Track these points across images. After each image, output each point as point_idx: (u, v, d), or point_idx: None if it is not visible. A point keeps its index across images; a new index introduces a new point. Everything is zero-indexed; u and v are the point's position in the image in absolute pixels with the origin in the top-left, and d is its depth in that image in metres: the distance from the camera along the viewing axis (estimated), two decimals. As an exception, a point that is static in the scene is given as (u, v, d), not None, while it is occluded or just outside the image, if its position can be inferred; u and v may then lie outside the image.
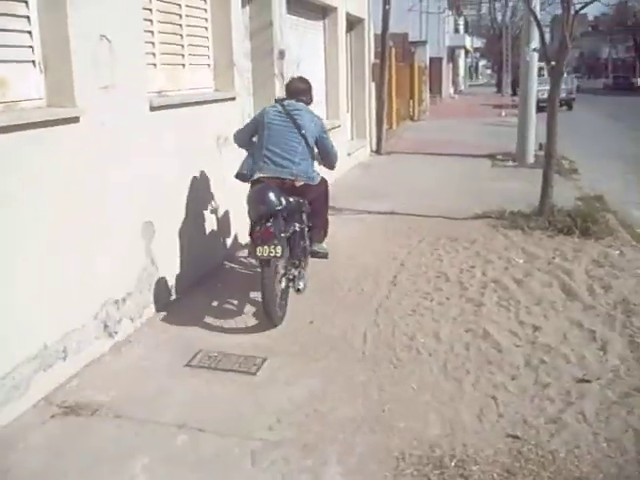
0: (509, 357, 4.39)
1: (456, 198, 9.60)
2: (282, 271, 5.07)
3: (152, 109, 5.01)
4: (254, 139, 5.41)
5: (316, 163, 5.56)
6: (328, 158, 5.67)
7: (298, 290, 5.25)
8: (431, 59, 34.58)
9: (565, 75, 31.85)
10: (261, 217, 4.82)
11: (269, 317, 4.87)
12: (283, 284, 5.08)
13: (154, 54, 5.35)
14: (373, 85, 14.83)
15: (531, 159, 13.12)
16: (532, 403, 3.80)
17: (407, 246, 7.04)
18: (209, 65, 6.47)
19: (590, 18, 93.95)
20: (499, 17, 50.34)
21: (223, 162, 6.37)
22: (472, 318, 5.06)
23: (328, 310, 5.27)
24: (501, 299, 5.45)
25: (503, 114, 26.35)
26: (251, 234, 4.93)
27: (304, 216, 5.48)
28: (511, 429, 3.54)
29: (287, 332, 4.83)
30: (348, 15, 12.43)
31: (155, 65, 5.38)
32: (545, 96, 26.37)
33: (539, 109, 13.55)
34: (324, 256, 5.84)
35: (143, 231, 4.90)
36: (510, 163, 13.15)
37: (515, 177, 11.52)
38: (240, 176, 5.35)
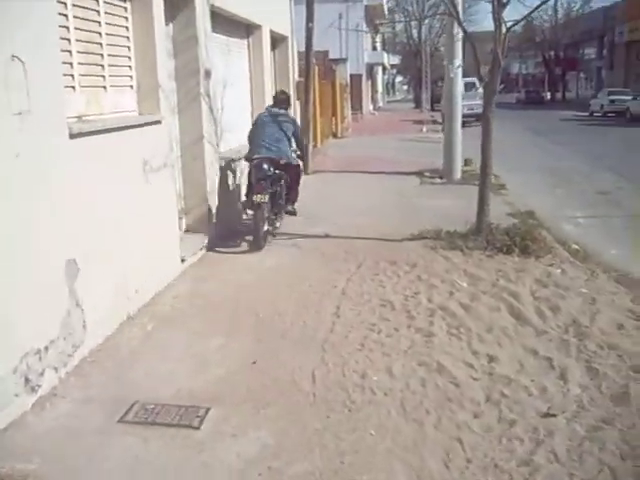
0: (468, 392, 4.15)
1: (389, 218, 9.42)
2: (267, 215, 7.80)
3: (72, 136, 4.56)
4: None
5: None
6: (301, 144, 8.93)
7: (276, 228, 8.29)
8: (351, 76, 34.74)
9: (481, 90, 32.66)
10: (259, 179, 7.78)
11: (257, 245, 7.61)
12: (266, 227, 7.79)
13: (73, 76, 4.91)
14: (298, 103, 14.60)
15: (458, 175, 13.14)
16: (500, 444, 3.56)
17: (346, 272, 6.76)
18: (132, 87, 6.05)
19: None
20: (415, 34, 51.28)
21: (150, 190, 5.96)
22: (424, 350, 4.81)
23: (271, 348, 4.92)
24: (451, 327, 5.23)
25: (424, 130, 26.62)
26: (248, 193, 8.16)
27: (283, 183, 8.33)
28: (482, 475, 3.29)
29: (229, 375, 4.46)
30: (272, 33, 12.18)
31: (74, 88, 4.94)
32: (466, 111, 27.09)
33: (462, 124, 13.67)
34: (294, 213, 8.85)
35: (66, 271, 4.45)
36: (438, 180, 13.12)
37: (445, 194, 11.48)
38: (246, 158, 8.41)
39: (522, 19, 7.25)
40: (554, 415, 3.84)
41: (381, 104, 54.71)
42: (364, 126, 30.65)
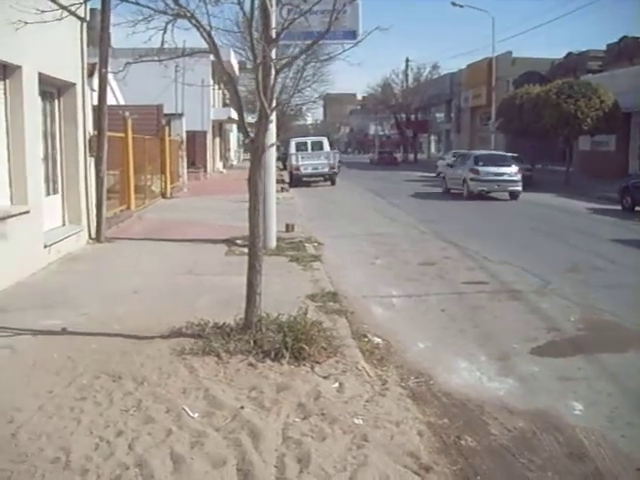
0: None
1: (159, 303, 7.53)
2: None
3: None
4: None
5: None
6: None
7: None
8: (195, 133, 32.97)
9: (329, 150, 31.94)
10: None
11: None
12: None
13: None
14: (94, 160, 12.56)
15: (273, 244, 11.52)
16: None
17: (45, 395, 4.75)
18: None
19: (359, 97, 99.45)
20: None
21: None
22: None
23: None
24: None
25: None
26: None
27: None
28: None
29: None
30: (45, 77, 10.17)
31: None
32: (311, 171, 26.54)
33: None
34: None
35: None
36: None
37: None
38: None
39: (295, 58, 5.75)
40: None
41: (235, 162, 53.18)
42: (205, 186, 28.76)
